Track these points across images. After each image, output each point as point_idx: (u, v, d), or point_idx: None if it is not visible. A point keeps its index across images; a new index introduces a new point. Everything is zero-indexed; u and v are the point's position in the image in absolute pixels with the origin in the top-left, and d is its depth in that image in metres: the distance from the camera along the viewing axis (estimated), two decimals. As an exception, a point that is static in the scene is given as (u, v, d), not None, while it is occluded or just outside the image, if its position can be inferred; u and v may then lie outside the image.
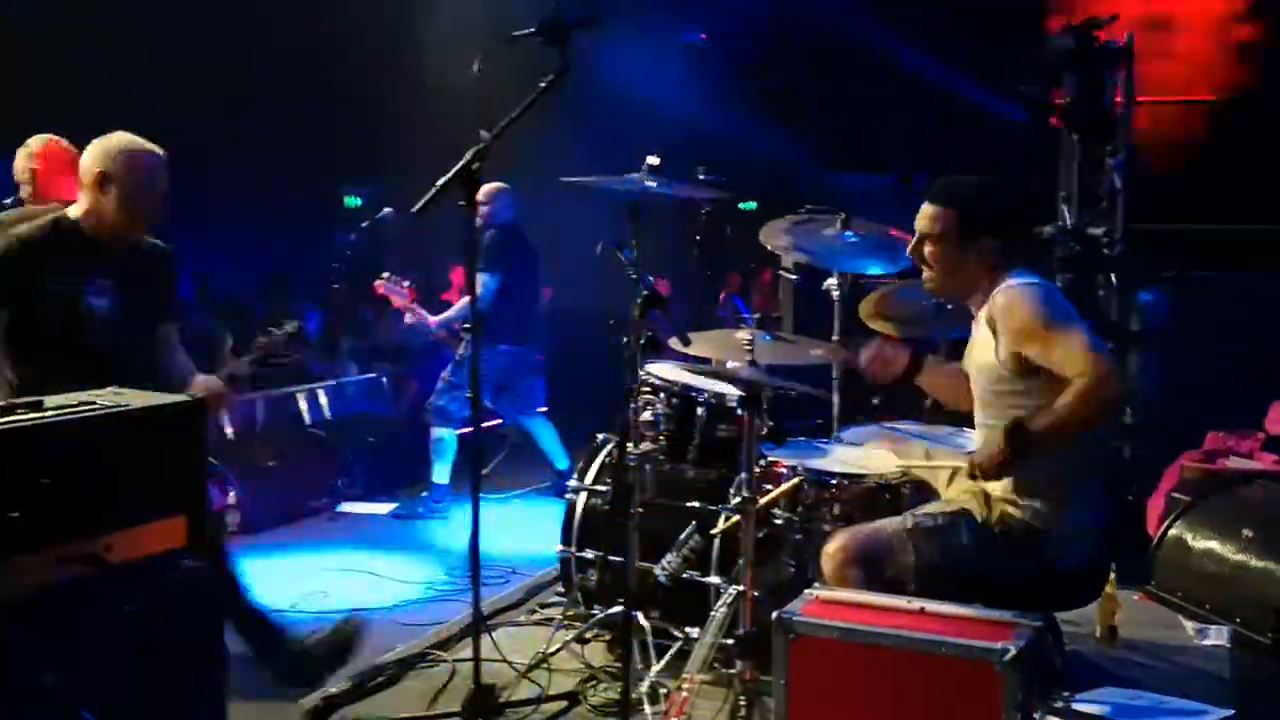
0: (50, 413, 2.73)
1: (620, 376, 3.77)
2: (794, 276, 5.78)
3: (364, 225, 7.45)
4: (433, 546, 6.17)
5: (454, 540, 6.23)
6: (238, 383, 4.51)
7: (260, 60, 8.85)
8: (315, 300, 9.32)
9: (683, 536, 4.07)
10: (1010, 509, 3.30)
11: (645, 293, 3.53)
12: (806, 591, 3.26)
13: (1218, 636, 4.54)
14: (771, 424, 3.86)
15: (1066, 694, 3.14)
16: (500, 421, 7.32)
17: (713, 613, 3.82)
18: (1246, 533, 4.69)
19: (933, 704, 2.93)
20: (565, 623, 4.53)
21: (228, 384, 4.12)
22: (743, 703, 3.56)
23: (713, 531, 4.06)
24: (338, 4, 8.87)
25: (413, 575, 5.63)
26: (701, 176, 5.00)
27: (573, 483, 4.62)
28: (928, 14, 8.36)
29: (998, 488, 3.32)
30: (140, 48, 7.70)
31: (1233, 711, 3.35)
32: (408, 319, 6.91)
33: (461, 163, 3.47)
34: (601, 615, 4.29)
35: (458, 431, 6.62)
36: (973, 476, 3.24)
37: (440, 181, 3.47)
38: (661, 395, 4.34)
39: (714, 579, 4.06)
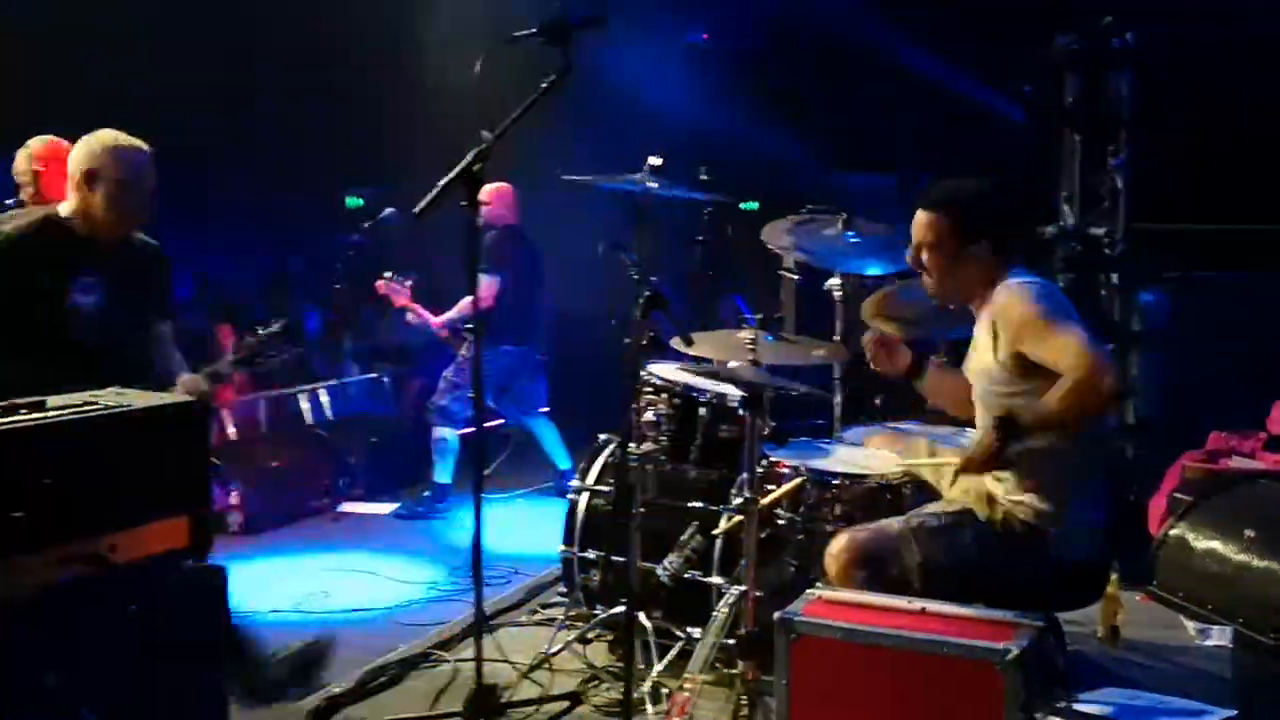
0: (53, 413, 2.73)
1: (621, 377, 3.77)
2: (796, 277, 5.77)
3: (367, 226, 7.44)
4: (435, 547, 6.16)
5: (456, 540, 6.22)
6: (221, 381, 4.49)
7: (260, 60, 8.82)
8: (316, 300, 9.30)
9: (685, 537, 4.07)
10: (1013, 509, 3.30)
11: (648, 293, 3.53)
12: (808, 592, 3.27)
13: (1220, 637, 4.53)
14: (773, 424, 3.87)
15: (1069, 694, 3.13)
16: (502, 421, 7.31)
17: (715, 613, 3.83)
18: (1249, 533, 4.67)
19: (934, 704, 2.94)
20: (567, 623, 4.52)
21: (211, 382, 4.11)
22: (744, 703, 3.56)
23: (715, 532, 4.06)
24: (338, 4, 8.85)
25: (414, 575, 5.63)
26: (703, 177, 5.01)
27: (575, 483, 4.62)
28: (932, 14, 8.34)
29: (1000, 488, 3.32)
30: (140, 48, 7.67)
31: (1235, 712, 3.34)
32: (409, 318, 6.91)
33: (463, 163, 3.46)
34: (603, 615, 4.30)
35: (460, 431, 6.63)
36: (965, 470, 3.24)
37: (442, 182, 3.46)
38: (664, 395, 4.35)
39: (716, 579, 4.06)
